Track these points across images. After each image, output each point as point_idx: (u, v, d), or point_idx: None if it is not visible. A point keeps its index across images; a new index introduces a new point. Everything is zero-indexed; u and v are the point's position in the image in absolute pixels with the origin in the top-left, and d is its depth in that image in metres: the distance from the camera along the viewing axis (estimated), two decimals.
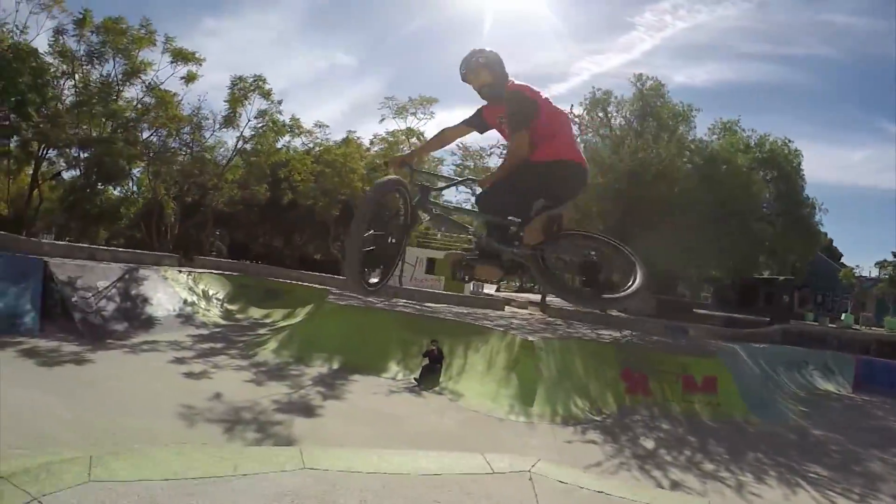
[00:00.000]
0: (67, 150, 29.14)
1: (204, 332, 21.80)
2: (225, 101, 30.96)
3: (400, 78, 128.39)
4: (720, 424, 15.62)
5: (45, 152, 29.84)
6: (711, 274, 33.59)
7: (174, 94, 30.09)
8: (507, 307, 28.34)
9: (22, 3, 26.88)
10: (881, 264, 37.10)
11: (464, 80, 3.69)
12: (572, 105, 30.46)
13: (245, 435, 11.64)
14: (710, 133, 31.36)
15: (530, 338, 17.68)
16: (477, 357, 17.48)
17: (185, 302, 23.65)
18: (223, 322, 23.85)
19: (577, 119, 30.26)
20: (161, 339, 19.48)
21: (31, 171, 31.37)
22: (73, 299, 19.53)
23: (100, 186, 30.30)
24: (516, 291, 50.49)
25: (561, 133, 3.58)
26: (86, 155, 28.63)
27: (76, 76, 28.78)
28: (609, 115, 31.48)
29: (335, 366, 17.61)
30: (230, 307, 26.22)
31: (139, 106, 29.40)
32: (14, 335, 16.93)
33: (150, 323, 20.89)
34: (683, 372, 17.37)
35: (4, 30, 26.83)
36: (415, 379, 16.65)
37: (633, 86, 30.61)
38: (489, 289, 39.20)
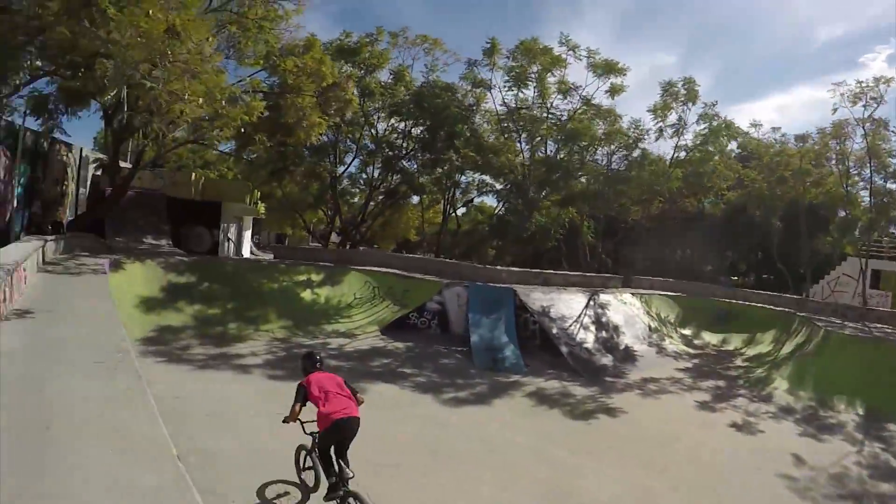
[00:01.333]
0: (486, 176, 29.37)
1: (685, 364, 18.08)
2: (648, 111, 27.87)
3: (727, 69, 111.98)
4: None
5: (459, 179, 30.69)
6: None
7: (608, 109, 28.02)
8: None
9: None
10: None
11: None
12: None
13: None
14: None
15: None
16: None
17: (649, 328, 19.87)
18: (690, 351, 19.95)
19: None
20: (656, 374, 16.19)
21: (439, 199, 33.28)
22: (554, 331, 16.96)
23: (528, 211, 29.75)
24: None
25: None
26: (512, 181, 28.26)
27: (496, 103, 28.89)
28: None
29: (859, 411, 13.91)
30: (684, 332, 22.21)
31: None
32: (506, 373, 15.12)
33: (630, 355, 17.59)
34: None
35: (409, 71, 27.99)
36: None
37: None
38: None
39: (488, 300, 18.11)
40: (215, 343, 13.74)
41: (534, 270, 22.75)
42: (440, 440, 9.45)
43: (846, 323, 19.65)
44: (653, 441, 10.75)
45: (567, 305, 18.47)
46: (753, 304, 24.24)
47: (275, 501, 5.99)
